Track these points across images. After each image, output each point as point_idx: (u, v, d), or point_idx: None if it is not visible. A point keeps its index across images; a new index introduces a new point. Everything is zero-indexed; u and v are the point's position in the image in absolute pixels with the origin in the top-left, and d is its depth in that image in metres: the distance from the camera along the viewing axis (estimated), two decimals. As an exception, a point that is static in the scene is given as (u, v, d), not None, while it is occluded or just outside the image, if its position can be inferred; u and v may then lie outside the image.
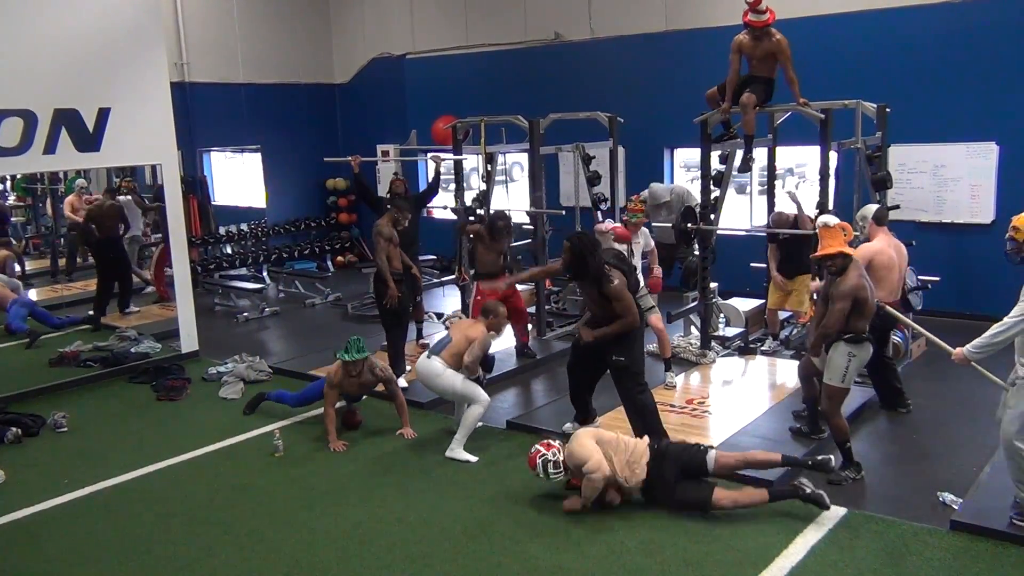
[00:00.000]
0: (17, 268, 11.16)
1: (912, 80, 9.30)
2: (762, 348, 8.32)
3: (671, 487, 5.12)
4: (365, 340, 6.49)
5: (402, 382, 7.43)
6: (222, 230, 13.30)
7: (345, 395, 6.75)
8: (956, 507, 5.06)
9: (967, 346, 4.83)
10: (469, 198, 9.20)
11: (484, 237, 8.03)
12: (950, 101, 9.21)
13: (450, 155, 9.55)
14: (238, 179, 14.49)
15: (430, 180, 9.10)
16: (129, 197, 11.53)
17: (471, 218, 8.79)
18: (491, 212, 8.69)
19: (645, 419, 5.86)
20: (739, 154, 7.75)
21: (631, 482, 5.12)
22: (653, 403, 5.99)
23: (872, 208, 6.80)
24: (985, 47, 8.97)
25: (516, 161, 14.40)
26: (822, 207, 7.26)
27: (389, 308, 7.53)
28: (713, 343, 8.34)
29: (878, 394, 6.81)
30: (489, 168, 9.35)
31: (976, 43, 9.01)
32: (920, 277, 7.81)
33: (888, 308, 6.15)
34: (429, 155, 10.20)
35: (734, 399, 7.10)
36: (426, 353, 6.37)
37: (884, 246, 6.56)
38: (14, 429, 6.83)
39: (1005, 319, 4.62)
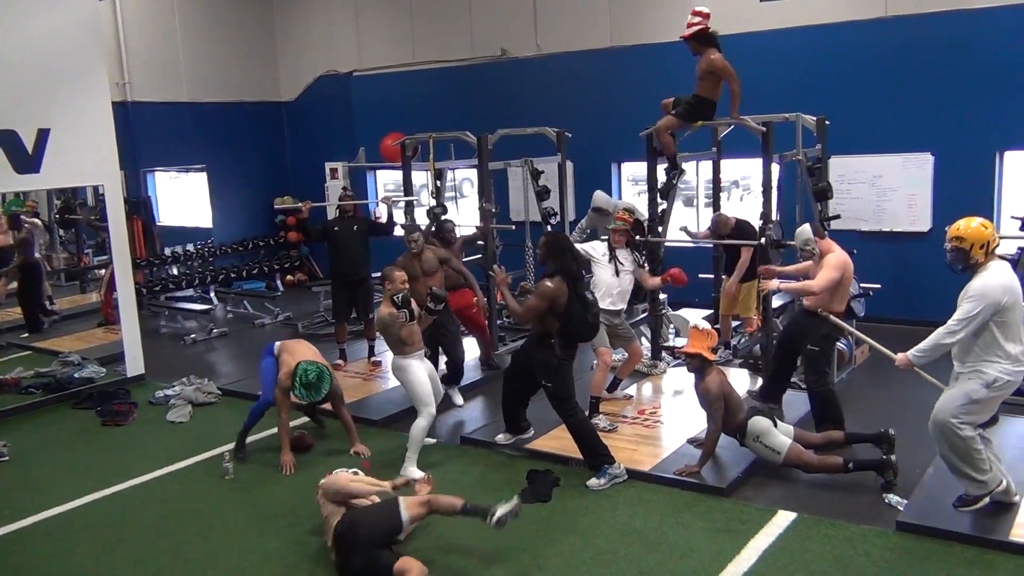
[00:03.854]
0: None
1: (850, 93, 9.56)
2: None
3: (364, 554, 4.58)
4: (322, 367, 6.27)
5: (458, 399, 7.67)
6: (167, 251, 13.08)
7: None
8: (901, 508, 5.19)
9: (911, 351, 4.99)
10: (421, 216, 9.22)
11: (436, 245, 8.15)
12: (887, 113, 9.48)
13: (402, 197, 9.66)
14: (183, 199, 14.27)
15: (383, 221, 8.99)
16: (36, 220, 11.25)
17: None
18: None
19: (583, 440, 5.95)
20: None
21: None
22: (587, 424, 6.14)
23: (807, 228, 6.58)
24: (920, 61, 9.26)
25: (466, 177, 14.43)
26: (765, 218, 7.43)
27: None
28: (663, 353, 8.45)
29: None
30: (439, 184, 9.37)
31: (911, 57, 9.30)
32: (862, 285, 8.01)
33: (833, 318, 6.25)
34: (379, 198, 10.24)
35: (685, 408, 7.17)
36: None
37: (846, 257, 6.41)
38: (-48, 460, 6.65)
39: (948, 324, 4.76)
